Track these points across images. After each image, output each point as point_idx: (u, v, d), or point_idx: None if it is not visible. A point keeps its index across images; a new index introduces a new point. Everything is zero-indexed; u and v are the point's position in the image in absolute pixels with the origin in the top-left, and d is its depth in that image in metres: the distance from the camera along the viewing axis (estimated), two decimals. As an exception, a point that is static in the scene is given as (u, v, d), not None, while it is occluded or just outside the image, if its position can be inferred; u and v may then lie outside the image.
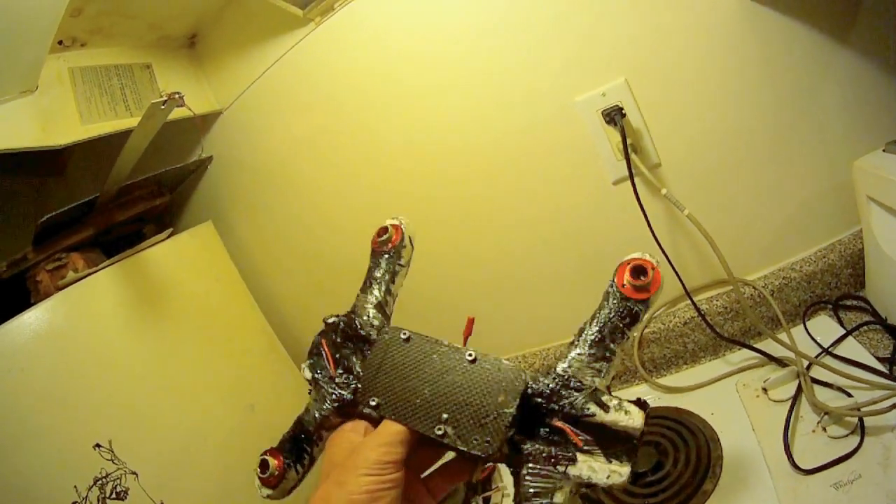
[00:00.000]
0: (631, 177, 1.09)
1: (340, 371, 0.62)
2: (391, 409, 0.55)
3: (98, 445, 1.06)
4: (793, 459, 0.86)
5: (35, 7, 0.99)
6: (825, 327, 1.08)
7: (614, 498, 0.97)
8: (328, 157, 1.38)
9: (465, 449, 0.51)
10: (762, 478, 0.87)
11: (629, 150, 1.08)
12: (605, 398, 0.51)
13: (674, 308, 1.23)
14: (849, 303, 1.11)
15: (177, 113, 1.10)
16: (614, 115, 1.08)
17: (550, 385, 0.53)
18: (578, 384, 0.52)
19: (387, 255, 0.67)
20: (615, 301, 0.54)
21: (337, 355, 0.63)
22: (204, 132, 1.50)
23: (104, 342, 1.17)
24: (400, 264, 0.67)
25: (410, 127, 1.27)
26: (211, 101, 1.46)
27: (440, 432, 0.52)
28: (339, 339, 0.64)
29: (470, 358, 0.55)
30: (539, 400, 0.53)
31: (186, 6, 1.34)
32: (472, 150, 1.23)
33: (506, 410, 0.51)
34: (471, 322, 0.59)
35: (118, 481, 1.05)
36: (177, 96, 1.00)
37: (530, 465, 0.51)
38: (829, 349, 1.02)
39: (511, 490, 0.53)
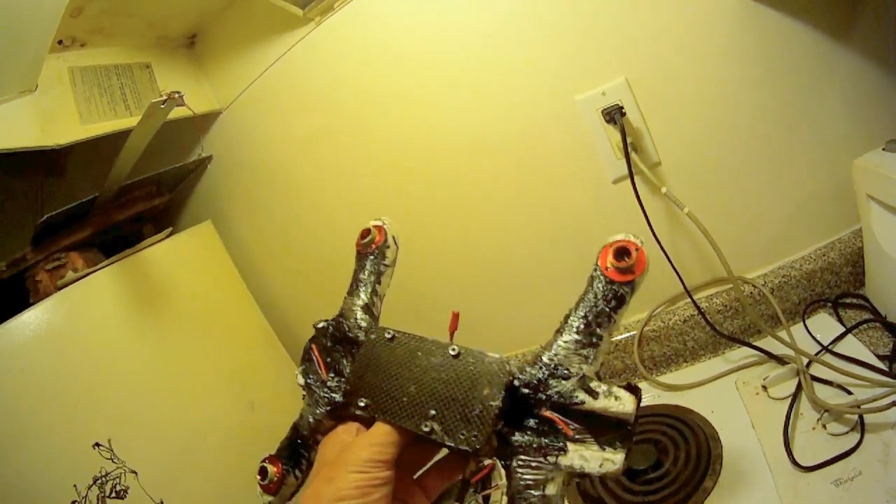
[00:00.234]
0: (631, 175, 1.09)
1: (332, 375, 0.62)
2: (379, 409, 0.55)
3: (97, 444, 1.05)
4: (793, 457, 0.86)
5: (35, 7, 0.98)
6: (825, 325, 1.08)
7: (615, 496, 0.97)
8: (328, 157, 1.38)
9: (453, 444, 0.51)
10: (762, 475, 0.87)
11: (629, 149, 1.08)
12: (593, 385, 0.50)
13: (673, 306, 1.23)
14: (848, 301, 1.11)
15: (176, 112, 1.10)
16: (614, 114, 1.09)
17: (537, 375, 0.52)
18: (566, 372, 0.51)
19: (371, 257, 0.67)
20: (599, 285, 0.52)
21: (328, 359, 0.64)
22: (203, 132, 1.50)
23: (103, 342, 1.17)
24: (385, 264, 0.67)
25: (410, 126, 1.27)
26: (211, 100, 1.46)
27: (427, 429, 0.52)
28: (329, 344, 0.64)
29: (453, 353, 0.54)
30: (526, 391, 0.52)
31: (186, 6, 1.34)
32: (471, 150, 1.23)
33: (491, 403, 0.50)
34: (455, 317, 0.59)
35: (118, 480, 1.05)
36: (176, 95, 1.00)
37: (521, 457, 0.50)
38: (829, 347, 1.02)
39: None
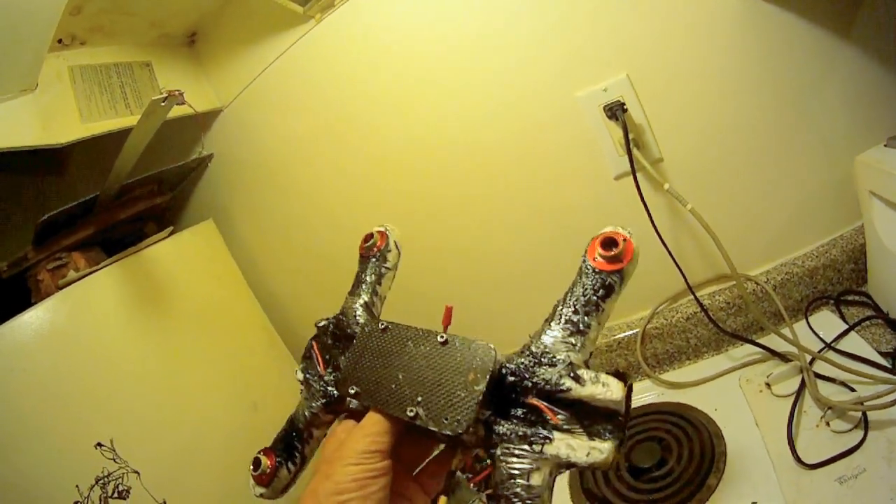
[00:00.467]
0: (633, 172, 1.09)
1: (330, 370, 0.63)
2: (368, 396, 0.55)
3: (100, 444, 1.05)
4: (797, 454, 0.86)
5: (34, 6, 0.98)
6: (827, 322, 1.08)
7: (619, 494, 0.97)
8: (329, 154, 1.38)
9: (437, 429, 0.50)
10: (766, 473, 0.87)
11: (631, 145, 1.08)
12: (580, 372, 0.49)
13: (676, 304, 1.22)
14: (851, 298, 1.11)
15: (178, 111, 1.09)
16: (616, 111, 1.08)
17: (524, 362, 0.51)
18: (552, 359, 0.50)
19: (373, 259, 0.69)
20: (587, 275, 0.52)
21: (327, 356, 0.64)
22: (204, 130, 1.50)
23: (105, 341, 1.17)
24: (386, 267, 0.68)
25: (411, 123, 1.27)
26: (211, 98, 1.46)
27: (412, 414, 0.51)
28: (329, 341, 0.65)
29: (441, 340, 0.54)
30: (513, 378, 0.51)
31: (186, 4, 1.34)
32: (473, 147, 1.23)
33: (475, 388, 0.50)
34: (449, 310, 0.59)
35: (120, 480, 1.05)
36: (177, 93, 1.00)
37: (504, 445, 0.49)
38: (832, 344, 1.02)
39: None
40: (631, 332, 1.24)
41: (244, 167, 1.52)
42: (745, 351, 1.14)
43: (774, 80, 1.06)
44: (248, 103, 1.43)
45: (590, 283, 0.52)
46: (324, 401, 0.61)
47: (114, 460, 1.06)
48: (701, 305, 1.14)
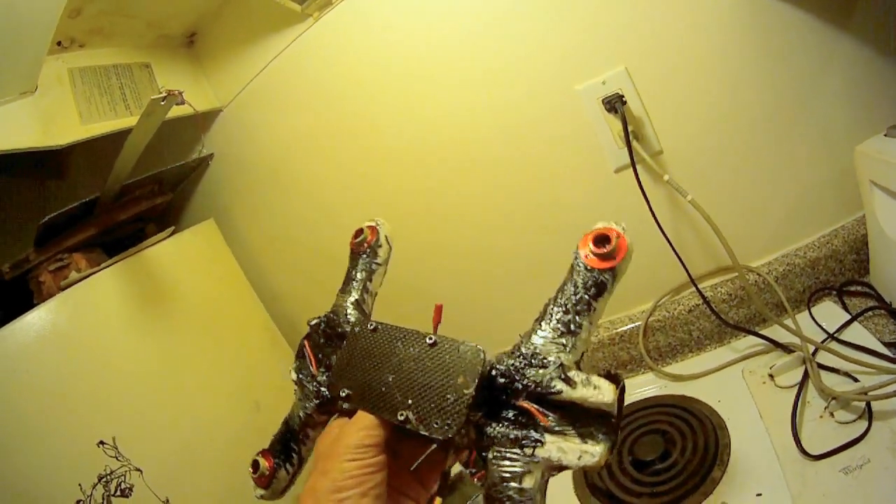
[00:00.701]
0: (633, 164, 1.09)
1: (322, 370, 0.63)
2: (359, 399, 0.55)
3: (102, 443, 1.05)
4: (801, 445, 0.85)
5: (33, 8, 0.98)
6: (830, 313, 1.08)
7: (623, 487, 0.97)
8: (329, 152, 1.38)
9: (427, 433, 0.50)
10: (771, 464, 0.87)
11: (630, 138, 1.08)
12: (571, 374, 0.48)
13: (678, 296, 1.22)
14: (853, 288, 1.11)
15: (178, 111, 1.10)
16: (615, 103, 1.08)
17: (514, 364, 0.50)
18: (543, 361, 0.49)
19: (364, 255, 0.68)
20: (579, 273, 0.51)
21: (319, 355, 0.64)
22: (204, 130, 1.50)
23: (107, 341, 1.17)
24: (377, 263, 0.68)
25: (411, 120, 1.27)
26: (211, 98, 1.46)
27: (402, 418, 0.51)
28: (321, 340, 0.65)
29: (430, 342, 0.54)
30: (503, 380, 0.51)
31: (185, 5, 1.34)
32: (473, 142, 1.23)
33: (465, 392, 0.50)
34: (439, 309, 0.59)
35: (123, 478, 1.05)
36: (176, 93, 1.00)
37: (497, 448, 0.49)
38: (835, 335, 1.02)
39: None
40: (633, 324, 1.24)
41: (244, 166, 1.52)
42: (747, 342, 1.13)
43: (773, 71, 1.06)
44: (248, 103, 1.43)
45: (581, 281, 0.51)
46: (317, 402, 0.61)
47: (116, 458, 1.06)
48: (703, 297, 1.14)
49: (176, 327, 1.29)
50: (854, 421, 0.85)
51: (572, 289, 0.51)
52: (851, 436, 0.83)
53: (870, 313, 1.03)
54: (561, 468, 0.47)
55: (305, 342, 0.65)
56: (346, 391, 0.56)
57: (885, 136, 0.98)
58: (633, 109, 1.11)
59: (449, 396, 0.50)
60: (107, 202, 1.32)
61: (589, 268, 0.50)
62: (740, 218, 1.14)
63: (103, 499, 1.02)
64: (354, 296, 0.66)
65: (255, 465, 0.61)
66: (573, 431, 0.47)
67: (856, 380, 0.91)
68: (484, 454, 0.50)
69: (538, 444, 0.47)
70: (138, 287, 1.25)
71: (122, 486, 1.05)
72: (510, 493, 0.47)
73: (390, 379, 0.54)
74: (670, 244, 1.11)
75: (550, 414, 0.48)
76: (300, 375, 0.64)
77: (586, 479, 1.03)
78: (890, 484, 0.75)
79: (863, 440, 0.82)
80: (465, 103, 1.21)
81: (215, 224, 1.52)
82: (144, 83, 1.34)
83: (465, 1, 1.14)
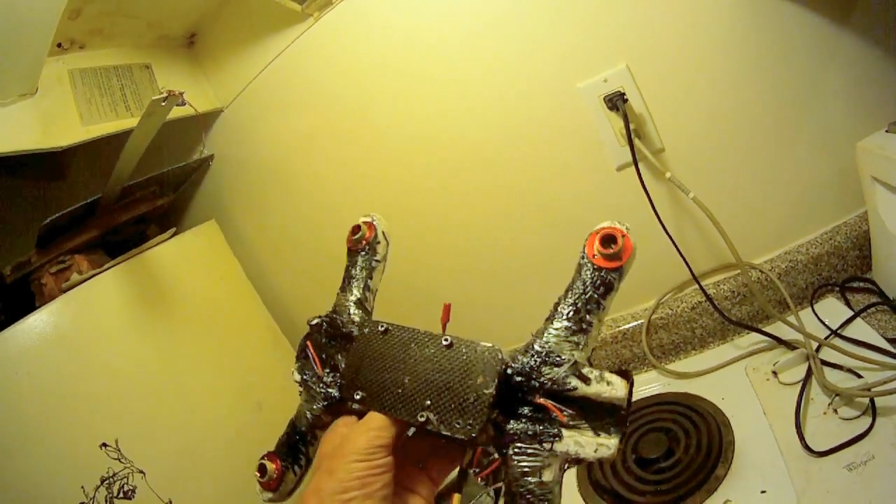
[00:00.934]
0: (635, 162, 1.09)
1: (328, 370, 0.62)
2: (375, 402, 0.55)
3: (104, 445, 1.05)
4: (805, 442, 0.85)
5: (33, 10, 0.98)
6: (833, 309, 1.08)
7: (627, 485, 0.97)
8: (330, 152, 1.38)
9: (449, 434, 0.51)
10: (775, 461, 0.87)
11: (632, 136, 1.07)
12: (585, 370, 0.50)
13: (681, 293, 1.22)
14: (856, 285, 1.11)
15: (178, 111, 1.09)
16: (616, 101, 1.08)
17: (529, 363, 0.52)
18: (557, 359, 0.51)
19: (362, 253, 0.68)
20: (587, 272, 0.53)
21: (323, 355, 0.64)
22: (205, 130, 1.50)
23: (109, 342, 1.17)
24: (376, 260, 0.68)
25: (412, 118, 1.27)
26: (211, 99, 1.46)
27: (423, 419, 0.52)
28: (324, 340, 0.65)
29: (446, 343, 0.54)
30: (519, 378, 0.52)
31: (185, 5, 1.34)
32: (474, 140, 1.23)
33: (485, 392, 0.50)
34: (447, 308, 0.59)
35: (125, 480, 1.05)
36: (177, 93, 1.00)
37: (516, 445, 0.50)
38: (838, 331, 1.02)
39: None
40: (636, 322, 1.23)
41: (245, 167, 1.52)
42: (750, 339, 1.13)
43: (774, 68, 1.06)
44: (249, 103, 1.43)
45: (590, 280, 0.52)
46: (325, 403, 0.61)
47: (119, 460, 1.06)
48: (706, 294, 1.14)
49: (178, 328, 1.29)
50: (858, 417, 0.85)
51: (581, 288, 0.52)
52: (855, 432, 0.83)
53: (873, 309, 1.03)
54: (578, 461, 0.49)
55: (307, 342, 0.65)
56: (361, 394, 0.56)
57: (887, 132, 0.98)
58: (635, 107, 1.10)
59: (469, 396, 0.51)
60: (108, 203, 1.32)
61: (597, 267, 0.52)
62: (742, 215, 1.14)
63: (106, 501, 1.01)
64: (356, 294, 0.65)
65: (262, 468, 0.60)
66: (587, 425, 0.49)
67: (859, 376, 0.91)
68: (504, 451, 0.51)
69: (556, 438, 0.49)
70: (140, 288, 1.25)
71: (125, 487, 1.05)
72: (531, 486, 0.48)
73: (406, 380, 0.54)
74: (673, 242, 1.11)
75: (566, 409, 0.50)
76: (304, 376, 0.64)
77: (590, 477, 1.03)
78: (894, 480, 0.75)
79: (867, 436, 0.82)
80: (466, 102, 1.21)
81: (217, 225, 1.52)
82: (145, 84, 1.34)
83: (465, 0, 1.14)
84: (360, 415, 0.56)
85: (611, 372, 0.49)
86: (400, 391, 0.54)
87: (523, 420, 0.51)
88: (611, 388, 0.48)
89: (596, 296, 0.52)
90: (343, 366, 0.61)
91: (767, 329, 1.10)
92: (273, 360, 1.45)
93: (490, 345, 0.53)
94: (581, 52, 1.12)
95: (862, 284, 1.09)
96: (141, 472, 1.07)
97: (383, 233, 0.69)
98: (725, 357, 1.13)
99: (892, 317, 1.00)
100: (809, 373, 0.97)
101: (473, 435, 0.50)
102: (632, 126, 1.08)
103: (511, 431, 0.51)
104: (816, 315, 1.08)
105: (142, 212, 1.42)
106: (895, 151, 0.93)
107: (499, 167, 1.24)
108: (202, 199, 1.63)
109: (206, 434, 1.21)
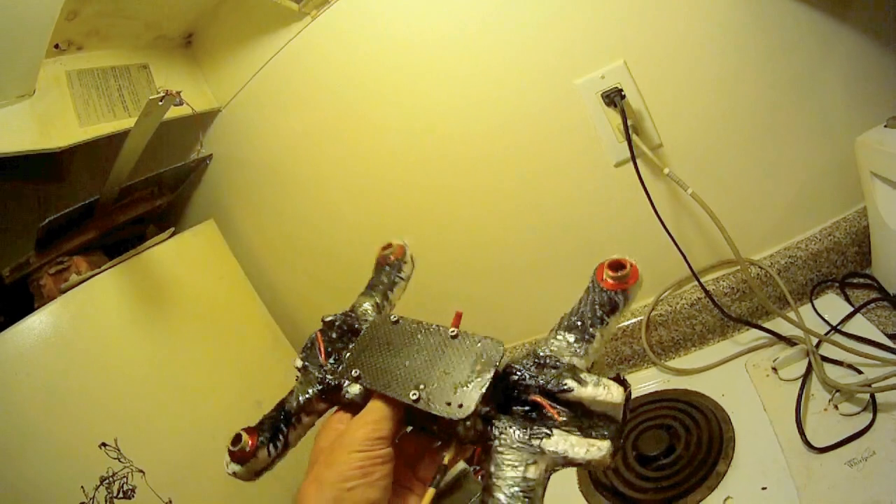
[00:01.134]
0: (633, 158, 1.08)
1: (331, 361, 0.64)
2: (370, 379, 0.56)
3: (104, 444, 1.05)
4: (806, 438, 0.85)
5: (30, 11, 0.98)
6: (833, 305, 1.08)
7: (628, 483, 0.97)
8: (329, 151, 1.38)
9: (437, 413, 0.51)
10: (775, 457, 0.87)
11: (630, 132, 1.07)
12: (583, 375, 0.50)
13: (680, 290, 1.22)
14: (855, 280, 1.10)
15: (176, 111, 1.09)
16: (614, 97, 1.08)
17: (528, 362, 0.53)
18: (556, 362, 0.52)
19: (388, 267, 0.72)
20: (595, 292, 0.56)
21: (329, 349, 0.65)
22: (203, 130, 1.50)
23: (109, 343, 1.17)
24: (400, 276, 0.71)
25: (409, 117, 1.26)
26: (209, 98, 1.46)
27: (414, 397, 0.53)
28: (334, 336, 0.66)
29: (452, 334, 0.56)
30: (516, 377, 0.53)
31: (182, 5, 1.34)
32: (472, 137, 1.23)
33: (479, 379, 0.52)
34: (458, 316, 0.60)
35: (125, 480, 1.05)
36: (174, 93, 1.00)
37: (503, 438, 0.50)
38: (838, 327, 1.02)
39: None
40: (635, 319, 1.23)
41: (244, 166, 1.52)
42: (750, 336, 1.13)
43: (773, 63, 1.06)
44: (246, 102, 1.43)
45: (597, 298, 0.55)
46: (320, 388, 0.62)
47: (118, 460, 1.06)
48: (705, 291, 1.13)
49: (177, 328, 1.29)
50: (858, 413, 0.85)
51: (588, 305, 0.55)
52: (856, 428, 0.83)
53: (872, 305, 1.03)
54: (566, 462, 0.48)
55: (318, 334, 0.66)
56: (358, 371, 0.57)
57: (886, 127, 0.97)
58: (633, 103, 1.10)
59: (465, 381, 0.52)
60: (106, 204, 1.32)
61: (604, 288, 0.55)
62: (741, 211, 1.14)
63: (106, 501, 1.01)
64: (376, 299, 0.68)
65: (237, 438, 0.60)
66: (579, 430, 0.49)
67: (859, 372, 0.91)
68: (489, 442, 0.51)
69: (546, 436, 0.49)
70: (139, 289, 1.25)
71: (125, 487, 1.05)
72: (512, 481, 0.48)
73: (406, 363, 0.56)
74: (672, 238, 1.11)
75: (560, 408, 0.50)
76: (305, 364, 0.65)
77: (591, 475, 1.03)
78: (895, 476, 0.74)
79: (867, 432, 0.82)
80: (463, 99, 1.21)
81: (215, 224, 1.52)
82: (142, 84, 1.34)
83: (462, -3, 1.14)
84: (355, 410, 0.57)
85: (608, 378, 0.50)
86: (398, 372, 0.55)
87: (516, 417, 0.52)
88: (607, 392, 0.48)
89: (601, 313, 0.54)
90: (348, 353, 0.62)
91: (767, 325, 1.10)
92: (272, 358, 1.45)
93: (495, 339, 0.54)
94: (578, 49, 1.11)
95: (861, 280, 1.09)
96: (140, 471, 1.07)
97: (411, 256, 0.74)
98: (725, 353, 1.13)
99: (891, 312, 1.00)
100: (809, 369, 0.97)
101: (461, 417, 0.50)
102: (630, 122, 1.08)
103: (501, 426, 0.51)
104: (816, 311, 1.08)
105: (140, 212, 1.43)
106: (894, 146, 0.93)
107: (497, 164, 1.24)
108: (200, 198, 1.63)
109: (205, 433, 1.21)
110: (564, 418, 0.50)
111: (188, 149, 1.54)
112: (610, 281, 0.55)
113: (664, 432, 1.00)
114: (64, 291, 1.16)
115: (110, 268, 1.22)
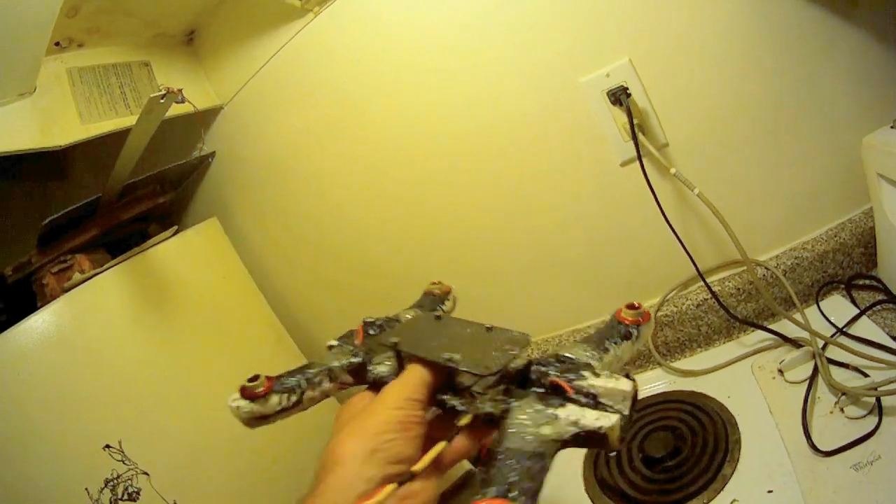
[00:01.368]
0: (639, 157, 1.08)
1: (366, 347, 0.68)
2: (407, 344, 0.61)
3: (108, 446, 1.05)
4: (811, 441, 0.85)
5: (30, 9, 0.98)
6: (839, 307, 1.07)
7: (633, 484, 0.97)
8: (331, 148, 1.37)
9: (467, 370, 0.56)
10: (781, 460, 0.86)
11: (636, 131, 1.06)
12: (596, 368, 0.55)
13: (686, 290, 1.21)
14: (861, 282, 1.10)
15: (178, 109, 1.09)
16: (619, 96, 1.07)
17: (547, 359, 0.58)
18: (573, 361, 0.57)
19: (432, 297, 0.81)
20: (612, 324, 0.63)
21: (367, 339, 0.70)
22: (205, 128, 1.49)
23: (112, 342, 1.17)
24: (442, 308, 0.79)
25: (413, 114, 1.26)
26: (211, 96, 1.46)
27: (447, 357, 0.57)
28: (372, 332, 0.71)
29: (487, 326, 0.63)
30: (535, 366, 0.57)
31: (184, 2, 1.33)
32: (476, 136, 1.22)
33: (511, 351, 0.57)
34: None
35: (129, 482, 1.05)
36: (175, 90, 0.99)
37: (519, 406, 0.53)
38: (844, 329, 1.01)
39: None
40: (640, 320, 1.22)
41: (246, 164, 1.51)
42: (756, 337, 1.13)
43: (778, 62, 1.05)
44: (249, 100, 1.42)
45: (613, 328, 0.62)
46: (348, 360, 0.66)
47: (123, 462, 1.06)
48: (711, 292, 1.13)
49: (181, 327, 1.29)
50: (864, 416, 0.85)
51: (605, 330, 0.62)
52: (862, 431, 0.82)
53: (879, 307, 1.03)
54: (577, 432, 0.50)
55: (359, 326, 0.72)
56: (395, 339, 0.62)
57: (892, 128, 0.97)
58: (638, 102, 1.09)
59: (495, 352, 0.57)
60: (109, 202, 1.31)
61: (620, 321, 0.63)
62: (747, 211, 1.13)
63: (110, 503, 1.01)
64: (419, 313, 0.76)
65: (255, 377, 0.61)
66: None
67: (865, 374, 0.90)
68: (505, 407, 0.54)
69: (560, 405, 0.52)
70: (142, 287, 1.25)
71: (130, 489, 1.05)
72: (527, 435, 0.50)
73: (443, 340, 0.61)
74: (678, 238, 1.11)
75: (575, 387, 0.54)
76: (340, 342, 0.70)
77: (596, 475, 1.03)
78: (901, 479, 0.74)
79: (873, 436, 0.81)
80: (467, 97, 1.20)
81: (218, 222, 1.51)
82: (144, 82, 1.33)
83: (466, -6, 1.13)
84: (378, 386, 0.60)
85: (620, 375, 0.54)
86: (433, 344, 0.61)
87: (532, 394, 0.55)
88: (617, 382, 0.52)
89: (617, 336, 0.61)
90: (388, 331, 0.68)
91: (773, 326, 1.10)
92: (276, 357, 1.45)
93: (523, 332, 0.61)
94: (583, 46, 1.11)
95: (867, 282, 1.09)
96: (145, 473, 1.07)
97: (455, 299, 0.83)
98: (731, 355, 1.12)
99: (897, 315, 1.00)
100: (815, 371, 0.96)
101: (494, 370, 0.54)
102: (635, 121, 1.07)
103: (518, 394, 0.55)
104: (822, 313, 1.07)
105: (143, 210, 1.42)
106: (900, 147, 0.92)
107: (502, 163, 1.23)
108: (203, 196, 1.62)
109: (210, 434, 1.21)
110: (576, 393, 0.53)
111: (190, 146, 1.53)
112: (626, 316, 0.62)
113: (670, 434, 1.00)
114: (67, 290, 1.16)
115: (113, 266, 1.22)
